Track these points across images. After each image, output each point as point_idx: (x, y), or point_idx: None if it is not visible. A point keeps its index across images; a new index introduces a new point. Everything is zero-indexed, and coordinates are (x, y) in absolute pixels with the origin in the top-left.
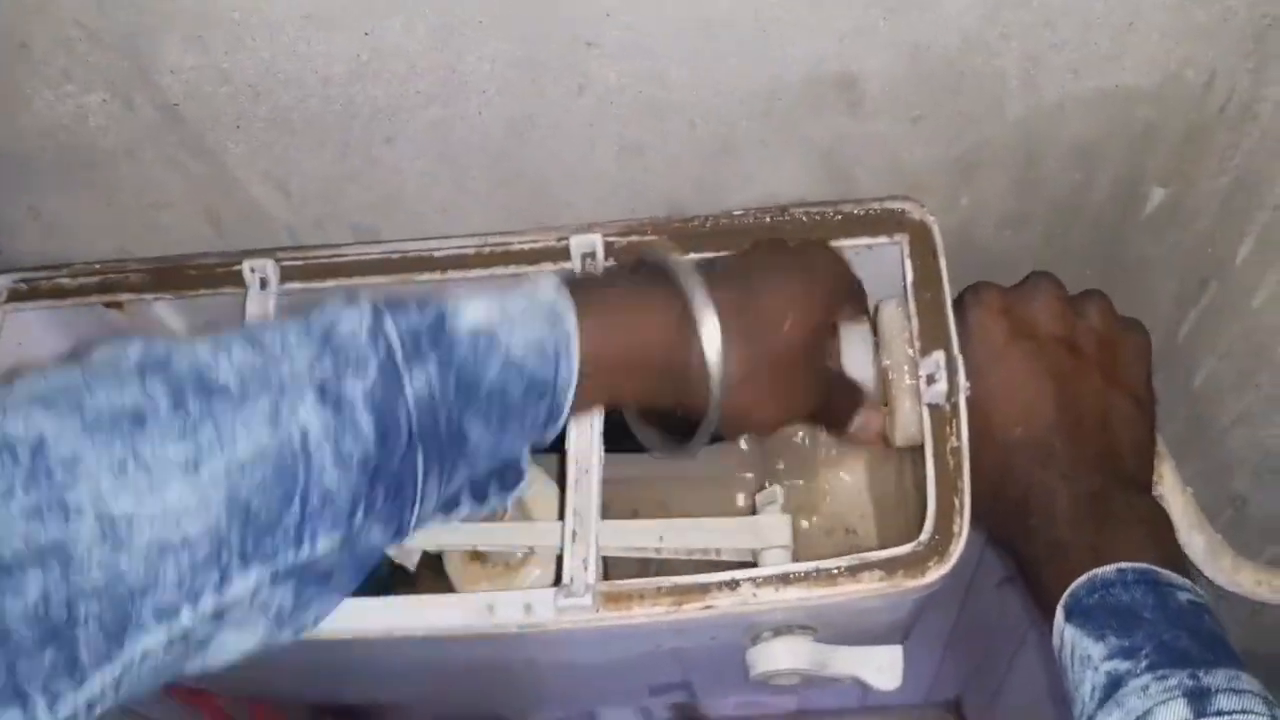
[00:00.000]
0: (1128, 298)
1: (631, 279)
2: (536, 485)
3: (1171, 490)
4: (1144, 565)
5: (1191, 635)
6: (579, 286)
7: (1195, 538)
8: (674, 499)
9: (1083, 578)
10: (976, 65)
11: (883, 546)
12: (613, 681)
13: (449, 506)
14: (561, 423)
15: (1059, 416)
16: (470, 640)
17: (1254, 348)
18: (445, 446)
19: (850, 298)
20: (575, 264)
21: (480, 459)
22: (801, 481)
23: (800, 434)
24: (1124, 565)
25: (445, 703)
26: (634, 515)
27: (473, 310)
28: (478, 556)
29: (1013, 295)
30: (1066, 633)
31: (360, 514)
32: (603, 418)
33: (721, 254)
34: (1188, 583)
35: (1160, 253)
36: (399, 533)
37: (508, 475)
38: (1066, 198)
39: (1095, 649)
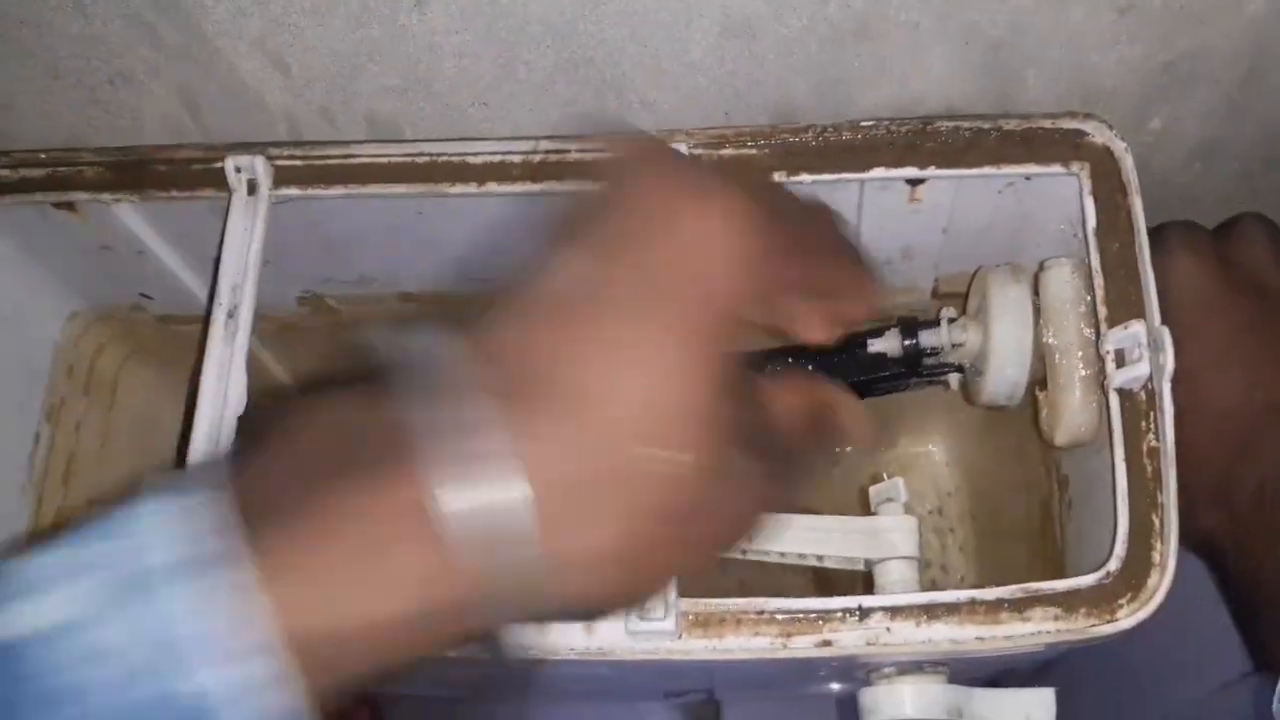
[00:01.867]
0: None
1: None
2: None
3: None
4: None
5: None
6: (247, 484)
7: None
8: None
9: None
10: None
11: (977, 531)
12: (626, 686)
13: None
14: None
15: None
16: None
17: None
18: None
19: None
20: None
21: None
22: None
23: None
24: None
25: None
26: None
27: (46, 598)
28: None
29: (1228, 241)
30: None
31: None
32: None
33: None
34: None
35: None
36: None
37: None
38: (1278, 127)
39: None
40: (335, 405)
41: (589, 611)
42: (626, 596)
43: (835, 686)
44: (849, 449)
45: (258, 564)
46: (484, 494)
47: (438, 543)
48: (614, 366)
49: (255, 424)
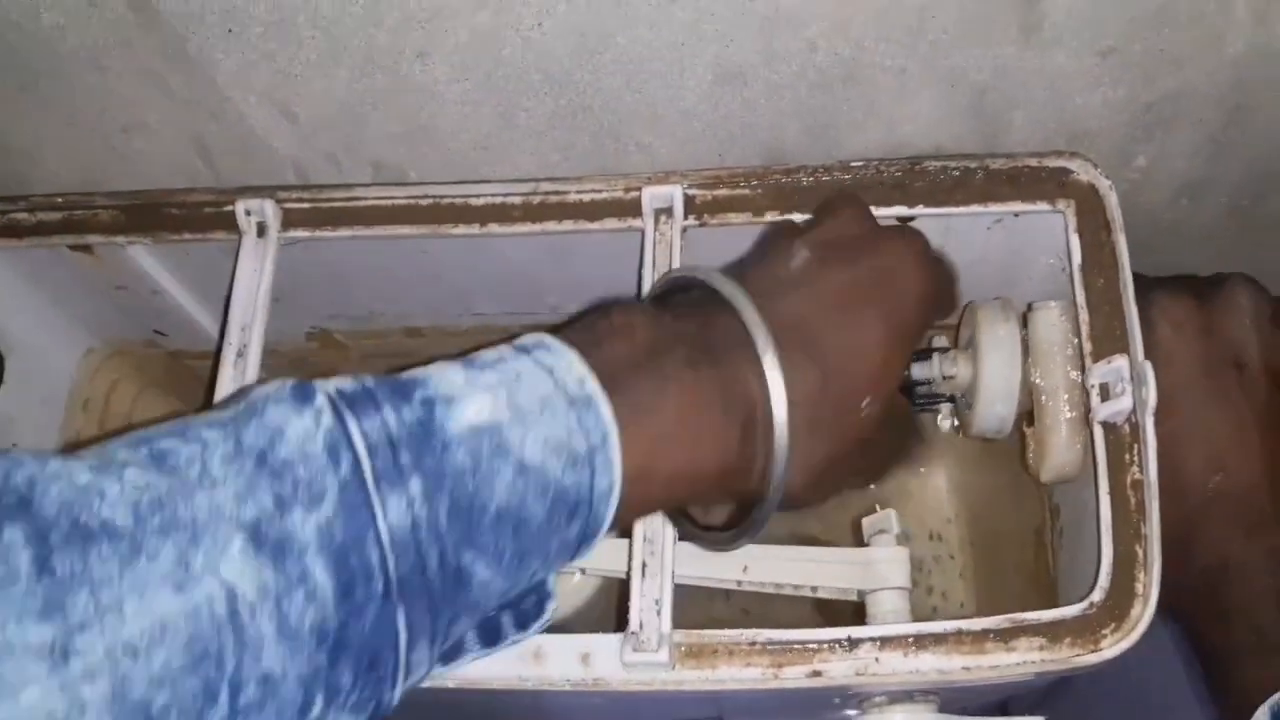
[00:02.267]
0: None
1: (674, 336)
2: None
3: None
4: None
5: None
6: (604, 353)
7: None
8: None
9: None
10: None
11: (976, 558)
12: (635, 716)
13: (449, 657)
14: (598, 542)
15: (1270, 470)
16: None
17: None
18: (439, 597)
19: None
20: (647, 222)
21: (488, 602)
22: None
23: None
24: None
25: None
26: None
27: (472, 402)
28: None
29: (1211, 309)
30: None
31: (319, 704)
32: None
33: (767, 261)
34: None
35: None
36: (377, 714)
37: (527, 606)
38: (1266, 164)
39: None
40: (634, 311)
41: (793, 503)
42: (819, 492)
43: (850, 713)
44: None
45: (620, 407)
46: (779, 397)
47: (747, 419)
48: (847, 334)
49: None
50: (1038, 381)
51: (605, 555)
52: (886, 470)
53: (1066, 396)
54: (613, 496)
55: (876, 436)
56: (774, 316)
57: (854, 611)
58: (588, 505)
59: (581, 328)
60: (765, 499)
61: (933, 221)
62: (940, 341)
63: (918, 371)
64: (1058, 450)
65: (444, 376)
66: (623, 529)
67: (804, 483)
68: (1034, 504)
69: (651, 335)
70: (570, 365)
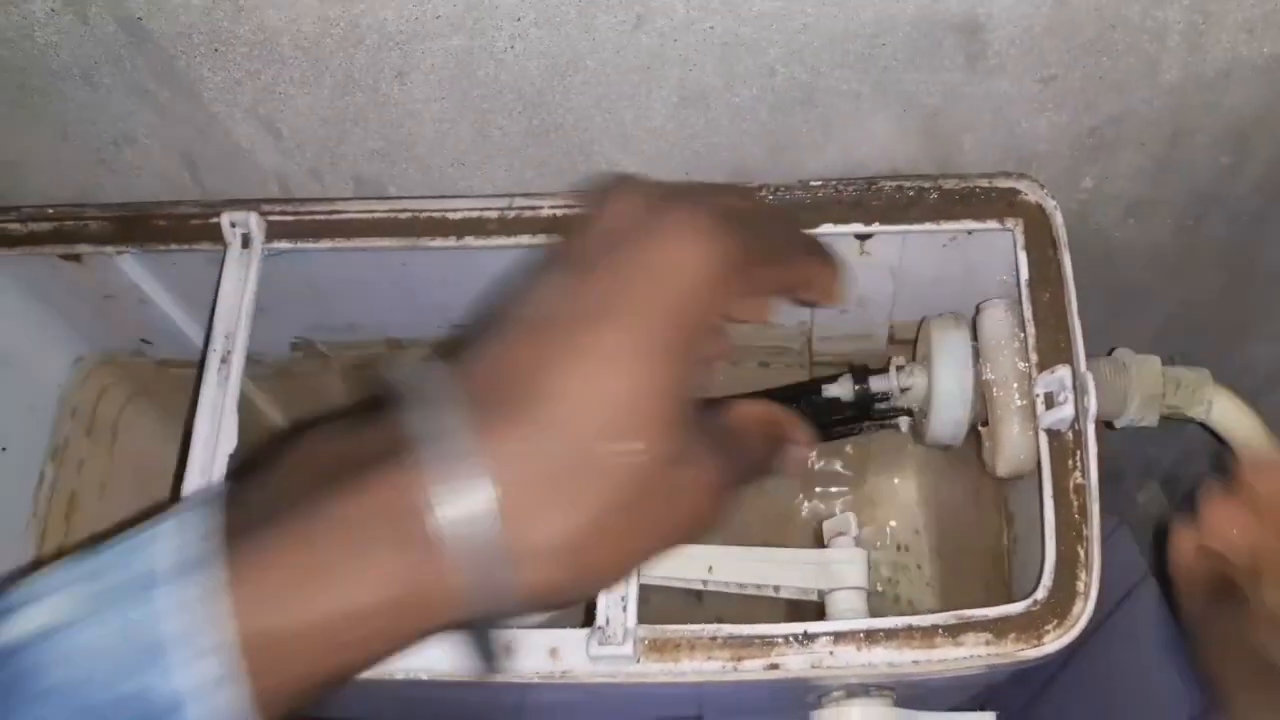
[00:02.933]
0: (1256, 307)
1: (350, 452)
2: None
3: None
4: None
5: None
6: (240, 503)
7: None
8: None
9: None
10: (1134, 17)
11: (943, 568)
12: (614, 713)
13: None
14: None
15: None
16: (474, 686)
17: None
18: None
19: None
20: None
21: None
22: (848, 489)
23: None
24: None
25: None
26: None
27: (43, 604)
28: None
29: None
30: None
31: None
32: None
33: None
34: None
35: None
36: None
37: None
38: (1208, 184)
39: None
40: (322, 431)
41: (556, 601)
42: (592, 583)
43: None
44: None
45: (229, 564)
46: (451, 493)
47: (403, 538)
48: (572, 369)
49: (255, 457)
50: (989, 377)
51: None
52: (716, 513)
53: (1016, 386)
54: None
55: (671, 482)
56: (477, 376)
57: (817, 613)
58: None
59: (265, 466)
60: (488, 612)
61: (890, 239)
62: (898, 360)
63: (876, 385)
64: (1012, 441)
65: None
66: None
67: (562, 575)
68: (995, 515)
69: (330, 458)
70: (176, 518)
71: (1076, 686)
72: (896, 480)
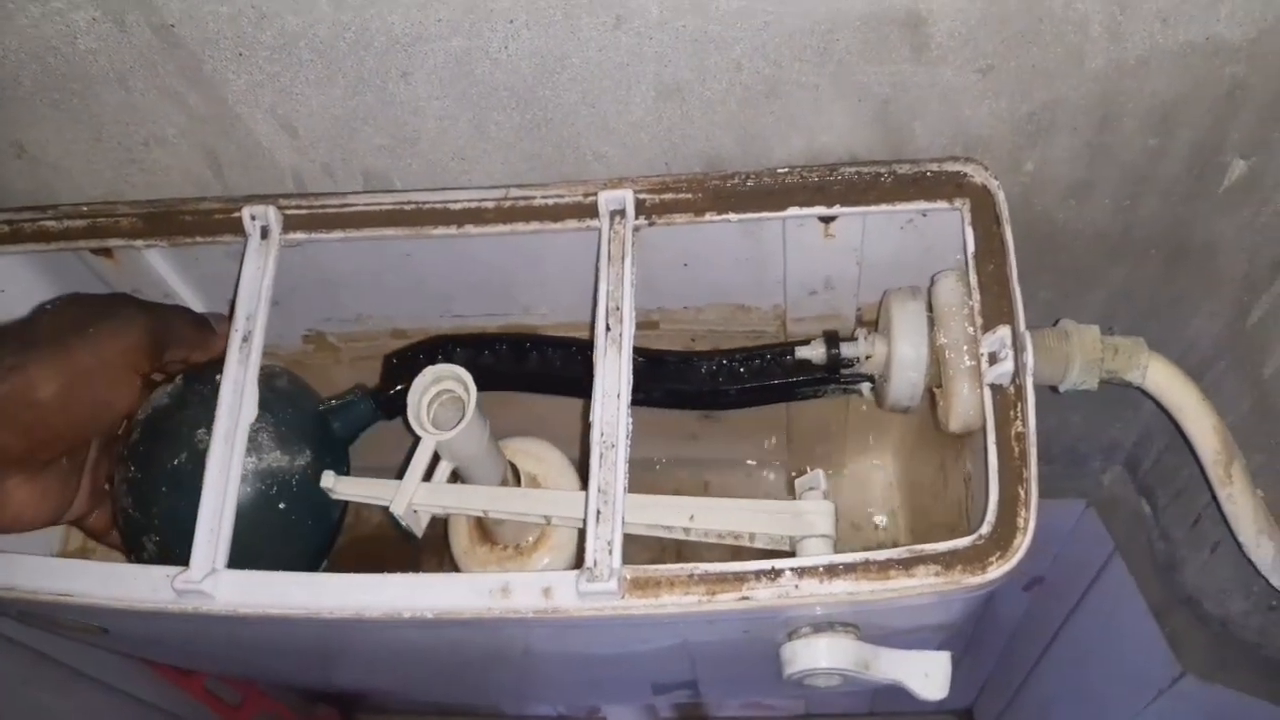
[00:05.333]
0: (1193, 278)
1: None
2: (546, 459)
3: (1241, 492)
4: None
5: None
6: None
7: (1265, 543)
8: (689, 479)
9: None
10: (1057, 9)
11: (916, 542)
12: (615, 677)
13: None
14: None
15: None
16: (475, 623)
17: None
18: None
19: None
20: (603, 222)
21: None
22: (830, 470)
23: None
24: None
25: (440, 690)
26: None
27: None
28: (486, 537)
29: None
30: None
31: None
32: (630, 385)
33: None
34: None
35: (1233, 231)
36: None
37: None
38: (1139, 165)
39: None
40: None
41: None
42: None
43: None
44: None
45: None
46: None
47: None
48: None
49: None
50: (942, 341)
51: (569, 507)
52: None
53: (966, 348)
54: None
55: None
56: None
57: None
58: None
59: None
60: None
61: (852, 221)
62: (863, 331)
63: (847, 350)
64: (962, 398)
65: None
66: None
67: None
68: (956, 482)
69: None
70: None
71: (1057, 667)
72: (875, 463)
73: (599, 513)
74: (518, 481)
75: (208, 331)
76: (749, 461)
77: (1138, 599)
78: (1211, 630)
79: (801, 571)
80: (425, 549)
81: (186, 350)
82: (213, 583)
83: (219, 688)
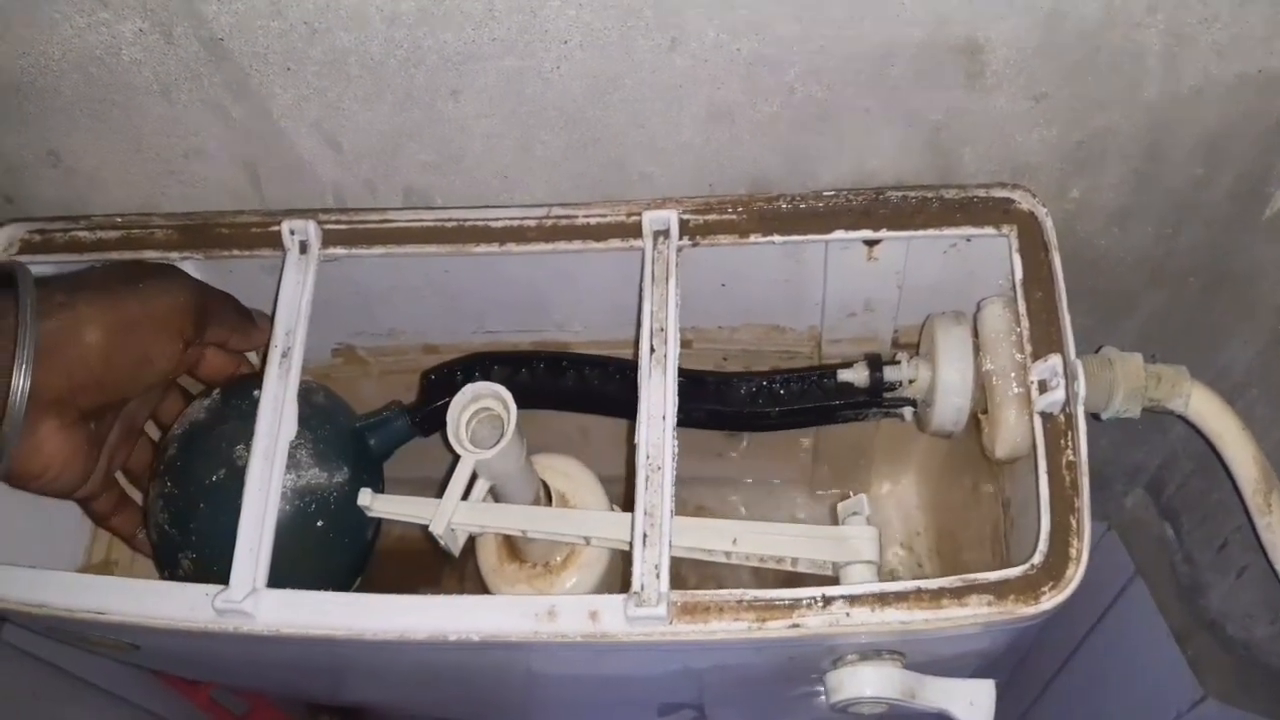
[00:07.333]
0: (1230, 306)
1: None
2: (575, 476)
3: None
4: None
5: None
6: None
7: None
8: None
9: None
10: (1115, 40)
11: (942, 565)
12: (623, 699)
13: None
14: None
15: None
16: (520, 647)
17: None
18: None
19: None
20: (647, 243)
21: None
22: (851, 491)
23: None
24: None
25: (441, 706)
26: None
27: None
28: (515, 555)
29: None
30: None
31: None
32: (676, 407)
33: None
34: None
35: (1272, 259)
36: None
37: None
38: (1184, 194)
39: None
40: None
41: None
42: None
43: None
44: None
45: None
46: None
47: None
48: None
49: None
50: (989, 368)
51: (612, 529)
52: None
53: (1014, 375)
54: None
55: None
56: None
57: None
58: None
59: None
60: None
61: (896, 244)
62: (905, 356)
63: (890, 374)
64: (1009, 426)
65: None
66: None
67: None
68: (991, 505)
69: None
70: None
71: (1072, 687)
72: (901, 485)
73: (645, 536)
74: (548, 498)
75: (250, 322)
76: (775, 480)
77: (1159, 621)
78: (1235, 654)
79: (853, 599)
80: (441, 563)
81: (228, 333)
82: (254, 602)
83: (225, 698)
